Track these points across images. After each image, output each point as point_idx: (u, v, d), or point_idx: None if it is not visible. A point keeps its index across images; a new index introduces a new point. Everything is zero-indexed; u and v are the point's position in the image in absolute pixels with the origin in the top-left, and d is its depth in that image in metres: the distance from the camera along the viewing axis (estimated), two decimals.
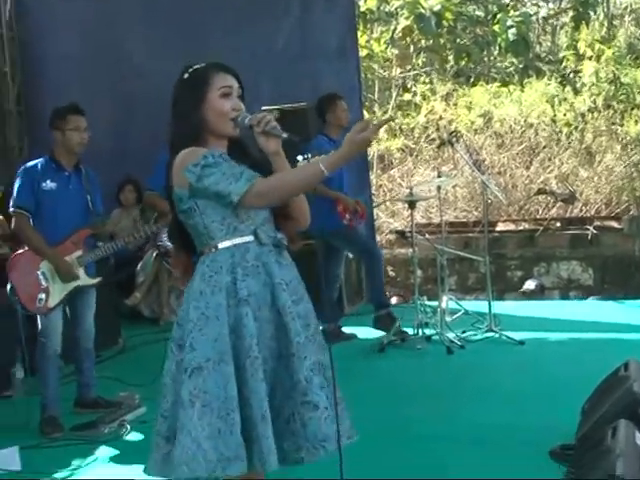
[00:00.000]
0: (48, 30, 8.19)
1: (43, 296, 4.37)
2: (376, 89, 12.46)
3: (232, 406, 2.37)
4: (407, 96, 12.08)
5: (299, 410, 2.46)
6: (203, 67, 2.58)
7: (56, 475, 3.81)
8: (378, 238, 8.45)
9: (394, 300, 8.04)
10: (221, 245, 2.52)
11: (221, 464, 2.34)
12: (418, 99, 11.17)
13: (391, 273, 8.41)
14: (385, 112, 11.71)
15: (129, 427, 4.31)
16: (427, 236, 8.44)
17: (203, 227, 2.53)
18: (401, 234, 6.27)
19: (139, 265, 7.13)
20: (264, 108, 7.00)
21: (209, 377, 2.39)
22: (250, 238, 2.54)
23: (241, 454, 2.36)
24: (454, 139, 6.02)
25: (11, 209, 4.46)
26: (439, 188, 6.32)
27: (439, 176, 6.26)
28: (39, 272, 4.41)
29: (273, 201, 2.53)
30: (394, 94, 12.17)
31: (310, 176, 2.48)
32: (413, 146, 9.89)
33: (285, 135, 2.51)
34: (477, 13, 13.45)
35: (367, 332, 6.21)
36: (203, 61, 7.47)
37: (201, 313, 2.46)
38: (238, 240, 2.53)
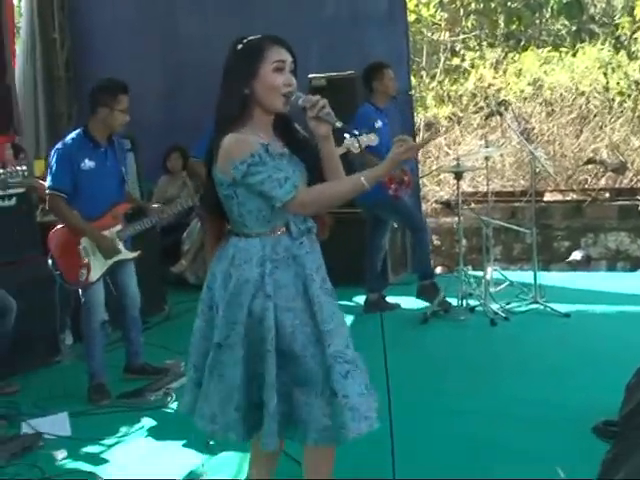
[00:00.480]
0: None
1: (84, 271, 4.41)
2: (424, 53, 12.30)
3: (235, 386, 2.53)
4: (455, 60, 11.91)
5: (318, 397, 2.52)
6: (258, 39, 2.54)
7: (104, 442, 3.89)
8: (424, 207, 8.39)
9: (438, 270, 8.02)
10: (254, 234, 2.55)
11: (222, 429, 2.59)
12: (467, 64, 11.01)
13: (436, 242, 8.36)
14: (433, 77, 11.57)
15: (174, 395, 4.39)
16: (473, 205, 8.41)
17: (238, 215, 2.57)
18: (446, 205, 6.22)
19: (185, 233, 7.19)
20: (312, 76, 7.06)
21: (225, 355, 2.54)
22: (282, 230, 2.57)
23: (237, 429, 2.57)
24: (502, 109, 5.91)
25: (47, 190, 4.43)
26: (487, 158, 6.24)
27: (486, 146, 6.17)
28: (80, 247, 4.44)
29: (313, 211, 2.58)
30: (442, 58, 12.00)
31: (351, 190, 2.51)
32: (461, 114, 9.74)
33: (339, 124, 2.48)
34: None
35: (411, 302, 6.21)
36: (252, 31, 7.48)
37: (227, 293, 2.53)
38: (270, 232, 2.56)
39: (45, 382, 4.79)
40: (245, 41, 2.54)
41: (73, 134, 4.50)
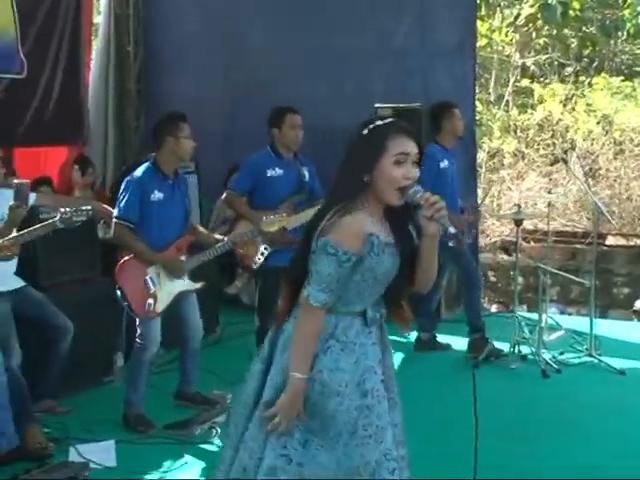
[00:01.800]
0: (172, 11, 8.39)
1: (151, 301, 4.46)
2: (493, 75, 12.20)
3: None
4: (525, 82, 11.76)
5: None
6: (384, 126, 2.49)
7: (147, 476, 3.94)
8: (482, 242, 8.32)
9: (494, 308, 7.95)
10: (329, 310, 2.49)
11: None
12: (536, 88, 10.89)
13: (492, 278, 8.28)
14: (499, 97, 11.47)
15: (219, 430, 4.42)
16: (532, 244, 8.31)
17: None
18: (504, 249, 6.13)
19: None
20: (377, 106, 7.05)
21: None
22: (358, 314, 2.53)
23: None
24: (568, 153, 5.81)
25: (114, 218, 4.53)
26: (549, 204, 6.15)
27: (549, 190, 6.08)
28: (147, 277, 4.50)
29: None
30: (512, 79, 11.87)
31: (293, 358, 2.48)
32: (526, 150, 9.62)
33: (452, 230, 2.39)
34: None
35: (462, 342, 6.14)
36: (320, 53, 7.42)
37: (283, 358, 2.50)
38: (347, 312, 2.52)
39: (95, 403, 4.88)
40: (372, 127, 2.49)
41: (143, 167, 4.61)
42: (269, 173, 5.13)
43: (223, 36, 8.05)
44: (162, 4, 8.45)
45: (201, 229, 5.04)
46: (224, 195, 5.49)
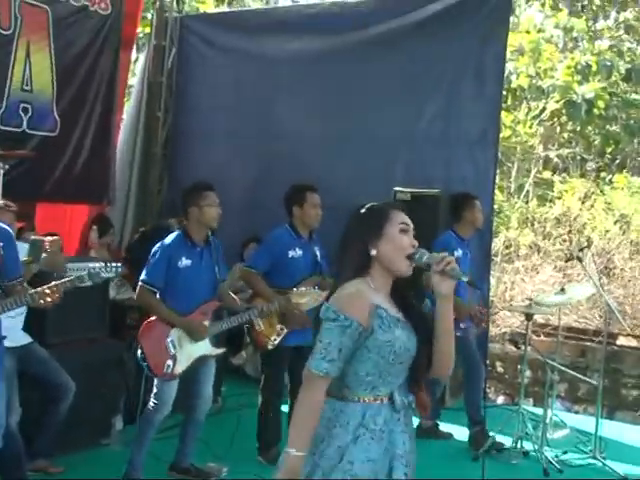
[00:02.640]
0: (204, 83, 8.60)
1: (170, 363, 4.51)
2: (515, 165, 12.30)
3: None
4: (547, 174, 11.83)
5: None
6: (382, 204, 2.61)
7: None
8: (492, 332, 8.26)
9: (500, 400, 7.84)
10: (356, 398, 2.47)
11: None
12: (556, 182, 10.95)
13: (500, 369, 8.18)
14: (520, 188, 11.54)
15: None
16: (542, 338, 8.22)
17: (341, 373, 2.46)
18: (514, 344, 6.08)
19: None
20: (396, 189, 7.11)
21: None
22: (385, 399, 2.50)
23: None
24: (583, 254, 5.80)
25: (140, 282, 4.60)
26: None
27: (562, 288, 6.05)
28: (168, 339, 4.55)
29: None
30: (533, 170, 11.96)
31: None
32: (541, 244, 9.63)
33: (465, 278, 2.46)
34: (635, 97, 12.96)
35: (465, 432, 6.05)
36: (344, 135, 7.53)
37: (314, 462, 2.44)
38: (374, 399, 2.48)
39: (90, 465, 4.83)
40: (369, 205, 2.58)
41: (173, 235, 4.73)
42: (290, 254, 5.16)
43: (252, 111, 8.22)
44: (195, 75, 8.68)
45: (232, 295, 5.08)
46: (239, 270, 5.50)
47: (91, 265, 4.06)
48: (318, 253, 5.26)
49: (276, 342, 5.11)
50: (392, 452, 2.47)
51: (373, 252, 2.50)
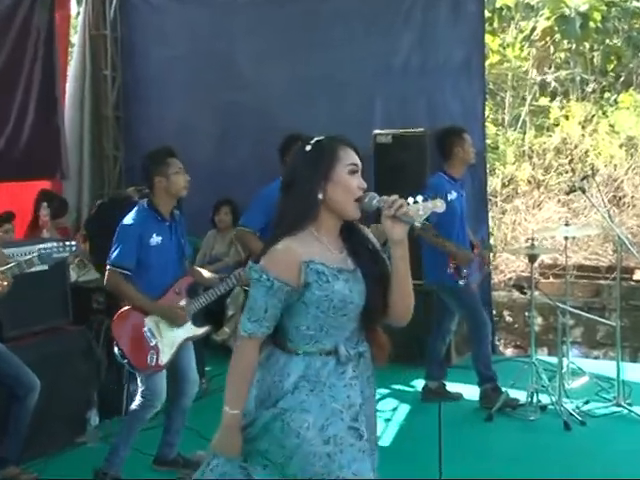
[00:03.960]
0: (154, 32, 8.44)
1: (153, 354, 4.45)
2: (507, 94, 12.21)
3: None
4: (543, 100, 11.78)
5: None
6: (327, 140, 2.60)
7: None
8: (495, 279, 8.26)
9: (510, 352, 7.87)
10: (300, 351, 2.58)
11: None
12: (553, 108, 10.89)
13: (508, 318, 8.21)
14: (516, 119, 11.47)
15: None
16: (552, 279, 8.23)
17: (281, 326, 2.59)
18: (519, 288, 6.05)
19: (229, 297, 7.18)
20: (376, 132, 7.05)
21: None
22: (330, 353, 2.58)
23: None
24: (586, 184, 5.77)
25: (108, 266, 4.50)
26: (566, 238, 6.10)
27: (567, 223, 6.03)
28: (145, 329, 4.49)
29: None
30: (529, 97, 11.89)
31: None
32: (542, 177, 9.60)
33: (418, 224, 2.50)
34: (635, 4, 12.78)
35: (474, 392, 6.06)
36: (311, 77, 7.49)
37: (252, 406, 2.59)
38: (317, 352, 2.57)
39: (67, 468, 4.78)
40: (313, 142, 2.59)
41: (137, 209, 4.60)
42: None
43: (210, 61, 8.09)
44: (142, 25, 8.50)
45: (199, 269, 5.06)
46: (235, 231, 5.50)
47: (42, 246, 3.96)
48: None
49: None
50: (330, 407, 2.53)
51: (320, 196, 2.53)
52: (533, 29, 12.05)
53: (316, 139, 2.59)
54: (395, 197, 2.49)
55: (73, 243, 4.06)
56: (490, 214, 8.32)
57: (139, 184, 6.29)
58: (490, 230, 8.03)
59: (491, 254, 7.43)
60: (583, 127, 10.05)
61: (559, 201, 9.31)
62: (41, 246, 3.96)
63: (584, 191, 5.68)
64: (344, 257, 2.60)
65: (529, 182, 9.72)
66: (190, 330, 4.67)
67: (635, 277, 8.03)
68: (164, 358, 4.50)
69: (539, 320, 7.89)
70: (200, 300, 4.72)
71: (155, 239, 4.49)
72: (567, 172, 9.72)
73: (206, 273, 5.00)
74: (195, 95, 8.23)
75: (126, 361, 4.46)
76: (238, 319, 7.08)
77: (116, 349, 4.47)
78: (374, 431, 2.72)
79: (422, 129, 6.90)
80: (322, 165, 2.53)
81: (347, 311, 2.55)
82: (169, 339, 4.54)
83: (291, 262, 2.50)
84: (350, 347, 2.59)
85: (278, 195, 5.13)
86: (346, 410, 2.55)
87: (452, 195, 5.72)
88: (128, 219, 4.54)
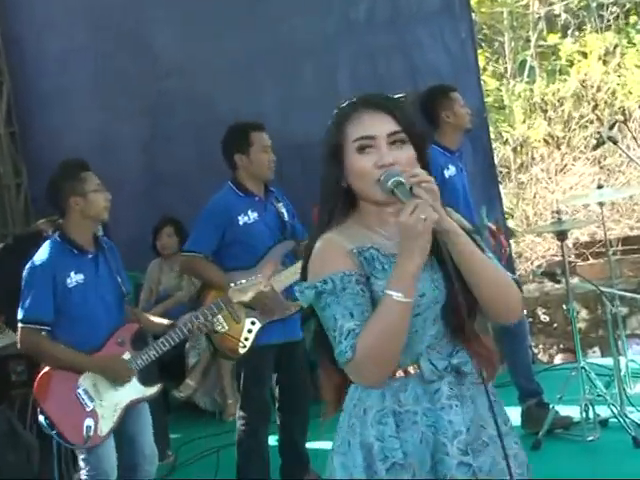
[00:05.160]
0: (43, 23, 8.40)
1: (91, 422, 4.44)
2: (506, 37, 12.30)
3: None
4: (552, 38, 11.84)
5: None
6: (348, 105, 2.57)
7: None
8: (522, 270, 8.30)
9: (558, 359, 7.93)
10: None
11: None
12: (564, 44, 10.97)
13: (544, 317, 8.24)
14: (522, 65, 11.53)
15: None
16: (591, 261, 8.29)
17: None
18: (550, 276, 6.10)
19: (188, 342, 7.18)
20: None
21: None
22: (409, 371, 2.52)
23: None
24: (618, 132, 5.83)
25: (20, 324, 4.49)
26: (601, 204, 6.14)
27: (599, 186, 6.08)
28: (79, 391, 4.49)
29: (370, 374, 2.45)
30: (533, 37, 11.96)
31: (390, 317, 2.39)
32: (561, 134, 9.67)
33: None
34: None
35: (515, 412, 6.07)
36: (257, 51, 7.48)
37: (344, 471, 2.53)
38: (395, 375, 2.50)
39: None
40: (335, 111, 2.58)
41: (47, 245, 4.61)
42: (241, 220, 5.21)
43: (123, 47, 8.07)
44: (27, 15, 8.44)
45: (145, 314, 5.12)
46: (181, 260, 5.57)
47: None
48: (284, 211, 5.35)
49: (249, 342, 5.15)
50: (433, 439, 2.48)
51: (343, 183, 2.54)
52: None
53: (339, 106, 2.58)
54: (418, 172, 2.41)
55: None
56: (503, 190, 8.36)
57: (51, 215, 6.30)
58: (506, 209, 8.05)
59: (511, 240, 7.47)
60: (605, 63, 10.13)
61: (587, 160, 9.37)
62: None
63: (616, 142, 5.71)
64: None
65: (546, 142, 9.77)
66: (138, 389, 4.66)
67: None
68: (105, 427, 4.48)
69: (583, 314, 7.93)
70: (149, 352, 4.71)
71: (74, 278, 4.49)
72: (592, 122, 9.78)
73: (154, 317, 5.04)
74: (109, 93, 8.22)
75: (55, 432, 4.43)
76: (203, 367, 7.22)
77: (41, 418, 4.45)
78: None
79: (401, 94, 6.91)
80: (332, 147, 2.53)
81: (420, 309, 2.49)
82: (110, 402, 4.53)
83: (338, 253, 2.48)
84: (438, 359, 2.53)
85: (230, 202, 5.22)
86: (450, 442, 2.49)
87: (450, 171, 5.74)
88: (36, 259, 4.53)
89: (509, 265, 7.14)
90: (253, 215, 5.22)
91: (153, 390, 4.77)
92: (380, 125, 2.48)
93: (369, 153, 2.48)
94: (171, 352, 6.96)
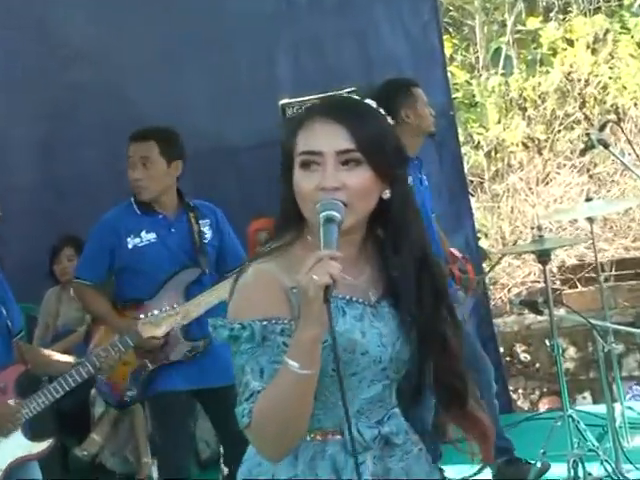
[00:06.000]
0: None
1: None
2: (477, 20, 12.40)
3: None
4: (532, 22, 11.91)
5: None
6: (304, 109, 2.72)
7: None
8: (496, 298, 8.31)
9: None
10: (307, 437, 2.51)
11: None
12: (545, 30, 11.09)
13: (524, 355, 8.27)
14: (497, 54, 11.62)
15: None
16: (580, 288, 8.31)
17: None
18: (531, 306, 6.09)
19: (93, 388, 7.08)
20: (283, 102, 7.09)
21: None
22: (330, 437, 2.52)
23: None
24: (609, 135, 5.84)
25: None
26: (591, 220, 6.15)
27: (589, 199, 6.10)
28: None
29: (265, 441, 2.46)
30: (510, 20, 12.06)
31: (288, 386, 2.37)
32: (543, 136, 9.73)
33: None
34: None
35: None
36: (177, 41, 7.46)
37: None
38: (310, 437, 2.51)
39: None
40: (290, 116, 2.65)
41: None
42: (130, 242, 5.27)
43: (16, 30, 7.97)
44: None
45: (36, 349, 5.27)
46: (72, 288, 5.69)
47: None
48: (206, 229, 5.37)
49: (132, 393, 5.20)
50: None
51: (289, 197, 2.54)
52: None
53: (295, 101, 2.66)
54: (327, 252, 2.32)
55: None
56: (474, 203, 8.39)
57: None
58: (477, 227, 8.07)
59: (484, 264, 7.48)
60: (594, 52, 10.22)
61: (574, 168, 9.44)
62: None
63: (607, 146, 5.73)
64: (363, 284, 2.54)
65: (525, 146, 9.85)
66: (24, 445, 4.65)
67: None
68: None
69: (571, 352, 7.97)
70: (40, 398, 4.71)
71: None
72: (579, 123, 9.86)
73: (55, 353, 5.10)
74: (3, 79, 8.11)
75: None
76: (114, 417, 7.13)
77: None
78: None
79: (352, 88, 6.93)
80: (284, 156, 2.53)
81: (358, 368, 2.49)
82: None
83: (269, 292, 2.45)
84: (366, 427, 2.52)
85: (120, 221, 5.23)
86: None
87: (408, 180, 5.73)
88: None
89: (482, 297, 7.14)
90: (148, 236, 5.27)
91: (43, 446, 4.75)
92: (330, 140, 2.45)
93: (314, 171, 2.45)
94: (72, 400, 6.97)
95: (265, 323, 2.40)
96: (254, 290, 2.47)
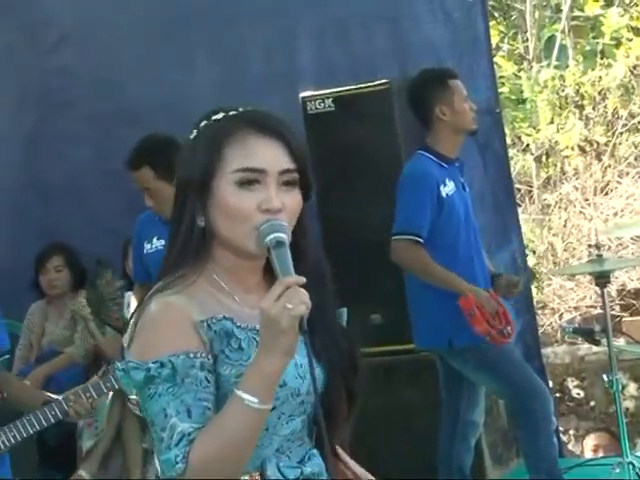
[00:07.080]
0: None
1: None
2: (527, 5, 12.44)
3: None
4: (592, 7, 11.95)
5: None
6: (225, 119, 2.59)
7: None
8: (545, 324, 8.37)
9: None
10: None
11: None
12: (609, 16, 11.12)
13: (576, 392, 8.32)
14: (549, 44, 11.64)
15: None
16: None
17: None
18: (586, 334, 6.16)
19: (81, 420, 7.15)
20: (305, 95, 7.10)
21: None
22: (253, 478, 2.56)
23: None
24: None
25: None
26: None
27: None
28: None
29: None
30: (566, 6, 12.09)
31: (240, 426, 2.46)
32: (602, 139, 9.77)
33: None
34: None
35: None
36: (178, 20, 7.51)
37: None
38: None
39: None
40: (203, 124, 2.61)
41: None
42: (146, 248, 5.59)
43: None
44: None
45: (9, 378, 5.17)
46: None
47: None
48: None
49: None
50: None
51: (201, 222, 2.56)
52: None
53: (211, 118, 2.60)
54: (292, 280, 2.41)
55: None
56: (522, 214, 8.42)
57: None
58: (525, 242, 8.10)
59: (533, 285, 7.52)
60: None
61: (638, 176, 9.47)
62: None
63: None
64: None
65: (582, 150, 9.85)
66: None
67: None
68: None
69: (631, 388, 8.00)
70: (8, 433, 4.77)
71: None
72: None
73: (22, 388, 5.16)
74: None
75: None
76: (105, 451, 7.19)
77: None
78: None
79: (385, 81, 6.96)
80: (197, 169, 2.55)
81: (277, 402, 2.53)
82: None
83: (180, 325, 2.51)
84: (288, 467, 2.59)
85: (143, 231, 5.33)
86: None
87: (447, 187, 5.77)
88: None
89: (529, 321, 7.17)
90: (158, 244, 5.52)
91: None
92: (274, 158, 2.52)
93: (253, 190, 2.51)
94: (57, 431, 7.06)
95: (185, 357, 2.46)
96: (166, 324, 2.52)
